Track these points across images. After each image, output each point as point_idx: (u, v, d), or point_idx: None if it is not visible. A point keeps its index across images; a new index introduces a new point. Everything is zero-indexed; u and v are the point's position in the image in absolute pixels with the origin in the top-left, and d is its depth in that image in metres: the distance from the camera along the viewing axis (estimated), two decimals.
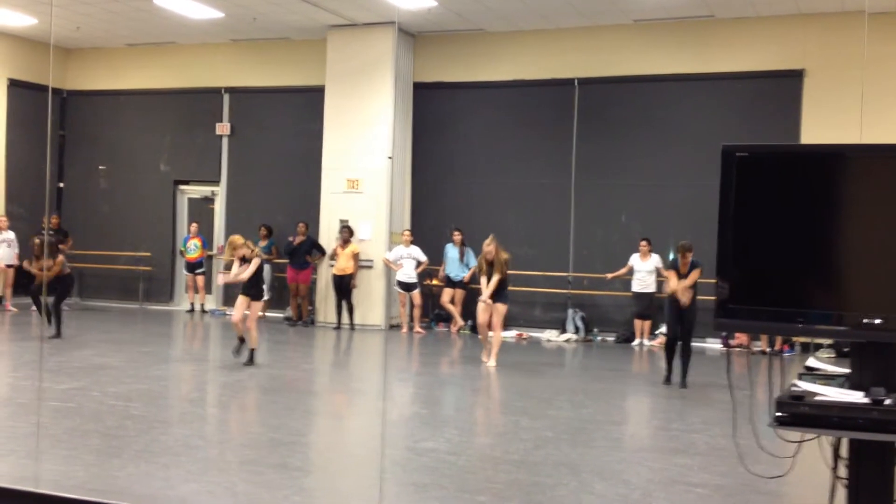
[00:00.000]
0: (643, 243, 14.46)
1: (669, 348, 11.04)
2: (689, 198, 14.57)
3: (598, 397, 10.07)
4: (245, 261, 11.25)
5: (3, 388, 9.83)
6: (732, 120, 14.52)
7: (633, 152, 15.31)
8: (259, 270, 11.32)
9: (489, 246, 12.08)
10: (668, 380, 10.92)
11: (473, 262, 15.41)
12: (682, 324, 10.91)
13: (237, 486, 6.08)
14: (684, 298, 10.77)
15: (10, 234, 16.49)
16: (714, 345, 14.39)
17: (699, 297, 11.14)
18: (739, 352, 13.60)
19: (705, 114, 14.87)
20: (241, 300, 11.29)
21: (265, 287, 11.79)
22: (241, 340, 11.25)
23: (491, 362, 12.03)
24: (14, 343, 13.23)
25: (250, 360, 11.13)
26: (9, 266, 16.41)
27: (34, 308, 13.73)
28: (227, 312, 17.46)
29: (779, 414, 3.68)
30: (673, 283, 10.97)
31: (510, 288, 12.87)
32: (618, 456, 7.32)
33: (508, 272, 12.28)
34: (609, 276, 14.77)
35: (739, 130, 14.05)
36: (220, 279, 12.33)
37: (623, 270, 14.67)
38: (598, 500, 5.97)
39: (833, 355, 12.79)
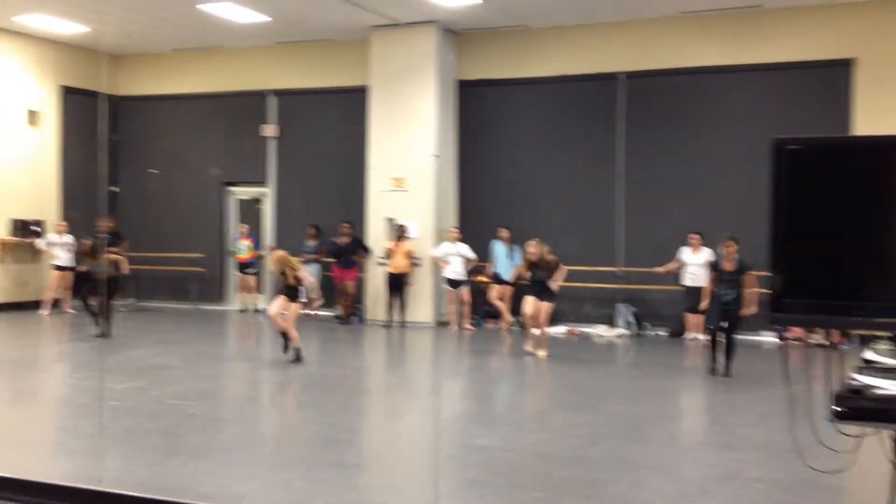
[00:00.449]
0: (694, 237, 14.34)
1: (713, 340, 11.14)
2: (739, 190, 14.40)
3: (651, 392, 10.02)
4: (284, 275, 11.45)
5: (64, 388, 10.06)
6: (781, 111, 14.31)
7: (681, 145, 15.18)
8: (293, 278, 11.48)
9: (533, 248, 12.48)
10: (712, 370, 11.04)
11: (520, 260, 15.45)
12: (728, 319, 10.92)
13: (294, 483, 6.17)
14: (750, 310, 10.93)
15: (69, 238, 16.84)
16: (769, 338, 14.23)
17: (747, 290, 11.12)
18: (795, 345, 13.43)
19: (754, 105, 14.68)
20: (280, 299, 11.42)
21: (302, 289, 11.84)
22: (285, 336, 11.33)
23: (541, 352, 12.44)
24: (73, 344, 13.51)
25: (297, 358, 11.23)
26: (68, 269, 16.76)
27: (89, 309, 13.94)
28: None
29: (837, 408, 3.66)
30: (705, 297, 11.17)
31: (560, 283, 13.08)
32: (673, 451, 7.30)
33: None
34: (659, 270, 14.66)
35: (789, 122, 13.86)
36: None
37: (673, 264, 14.55)
38: (655, 496, 5.95)
39: (892, 347, 12.55)
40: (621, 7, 14.73)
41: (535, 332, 12.65)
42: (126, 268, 14.03)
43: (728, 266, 10.97)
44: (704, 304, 11.21)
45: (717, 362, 11.02)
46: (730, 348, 10.99)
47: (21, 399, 9.47)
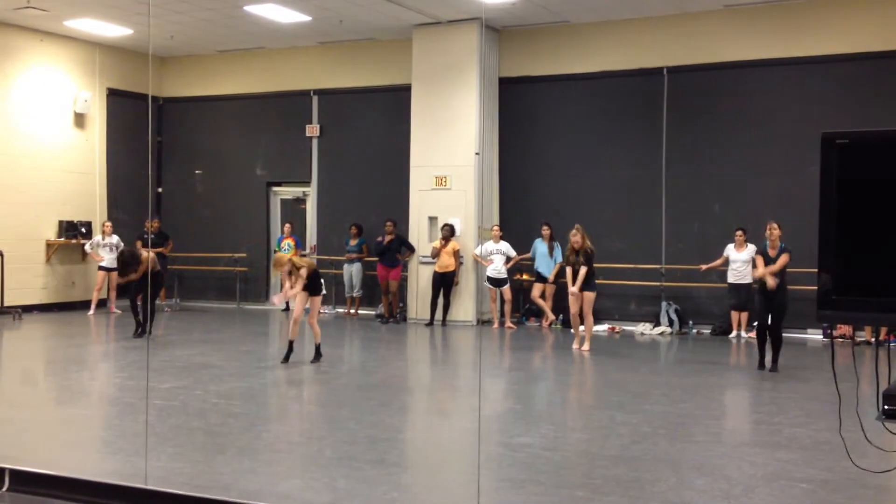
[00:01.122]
0: (739, 233, 14.17)
1: (760, 335, 11.20)
2: (786, 186, 14.23)
3: (695, 391, 9.92)
4: (291, 274, 11.14)
5: (110, 388, 10.19)
6: (830, 105, 14.09)
7: (726, 141, 15.01)
8: (314, 270, 11.25)
9: (576, 236, 12.55)
10: (761, 364, 11.13)
11: (561, 257, 15.43)
12: (771, 311, 11.00)
13: (337, 481, 6.18)
14: (771, 282, 10.89)
15: (115, 239, 17.09)
16: (815, 336, 14.05)
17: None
18: (842, 342, 13.22)
19: (801, 99, 14.47)
20: (302, 296, 11.23)
21: (322, 282, 11.71)
22: (291, 347, 11.19)
23: (585, 346, 12.63)
24: (119, 343, 13.68)
25: (318, 356, 11.24)
26: (113, 270, 16.99)
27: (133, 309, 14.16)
28: (321, 311, 17.74)
29: (887, 407, 3.59)
30: (760, 268, 11.05)
31: (599, 281, 13.21)
32: (718, 451, 7.20)
33: (595, 264, 12.84)
34: (703, 267, 14.50)
35: (838, 116, 13.65)
36: (275, 301, 11.87)
37: (719, 261, 14.38)
38: (699, 495, 5.88)
39: None
40: (665, 1, 14.59)
41: (581, 329, 12.76)
42: (156, 264, 14.17)
43: (773, 252, 11.11)
44: (771, 283, 10.94)
45: (764, 356, 11.06)
46: (776, 342, 11.01)
47: (68, 398, 9.61)
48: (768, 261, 11.04)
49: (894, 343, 12.93)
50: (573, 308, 12.75)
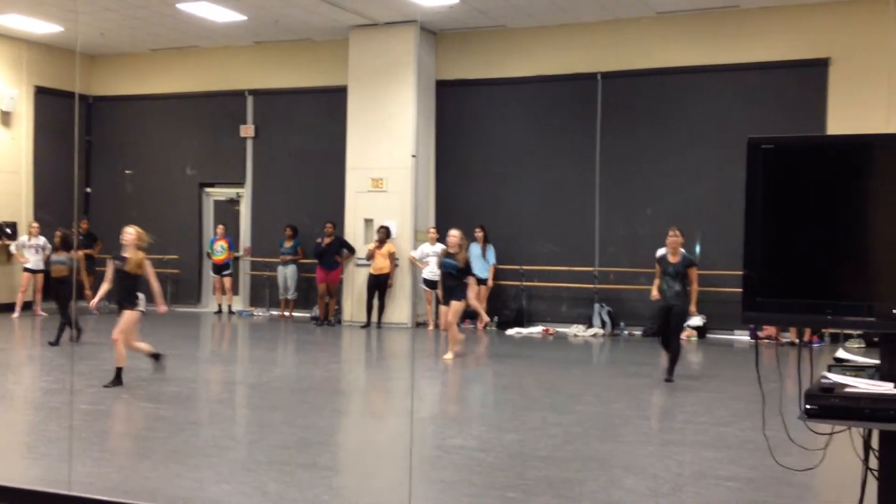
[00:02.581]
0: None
1: (664, 344, 10.85)
2: (716, 190, 14.47)
3: (625, 392, 10.04)
4: (118, 259, 9.60)
5: (35, 392, 9.94)
6: (758, 110, 14.40)
7: (658, 145, 15.23)
8: (135, 277, 9.57)
9: (454, 238, 12.14)
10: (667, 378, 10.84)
11: (493, 259, 15.54)
12: (669, 319, 10.64)
13: (268, 486, 6.11)
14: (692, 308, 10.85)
15: (41, 240, 16.67)
16: (742, 337, 14.32)
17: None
18: (768, 344, 13.51)
19: (730, 105, 14.75)
20: (122, 316, 9.65)
21: (141, 297, 9.70)
22: (119, 375, 9.59)
23: (448, 355, 12.11)
24: (45, 347, 13.35)
25: (117, 380, 9.52)
26: (39, 271, 16.59)
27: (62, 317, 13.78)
28: (255, 313, 17.59)
29: (808, 406, 3.66)
30: (655, 289, 10.82)
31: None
32: (647, 450, 7.30)
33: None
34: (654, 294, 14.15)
35: (765, 121, 13.96)
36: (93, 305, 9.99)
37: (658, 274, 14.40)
38: (628, 494, 5.95)
39: (863, 346, 12.68)
40: (599, 7, 14.75)
41: (458, 336, 12.33)
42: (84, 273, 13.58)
43: (673, 259, 10.69)
44: (655, 294, 10.89)
45: (662, 365, 10.79)
46: (674, 350, 10.60)
47: None
48: (666, 267, 10.67)
49: (818, 344, 13.30)
50: (443, 318, 12.42)
